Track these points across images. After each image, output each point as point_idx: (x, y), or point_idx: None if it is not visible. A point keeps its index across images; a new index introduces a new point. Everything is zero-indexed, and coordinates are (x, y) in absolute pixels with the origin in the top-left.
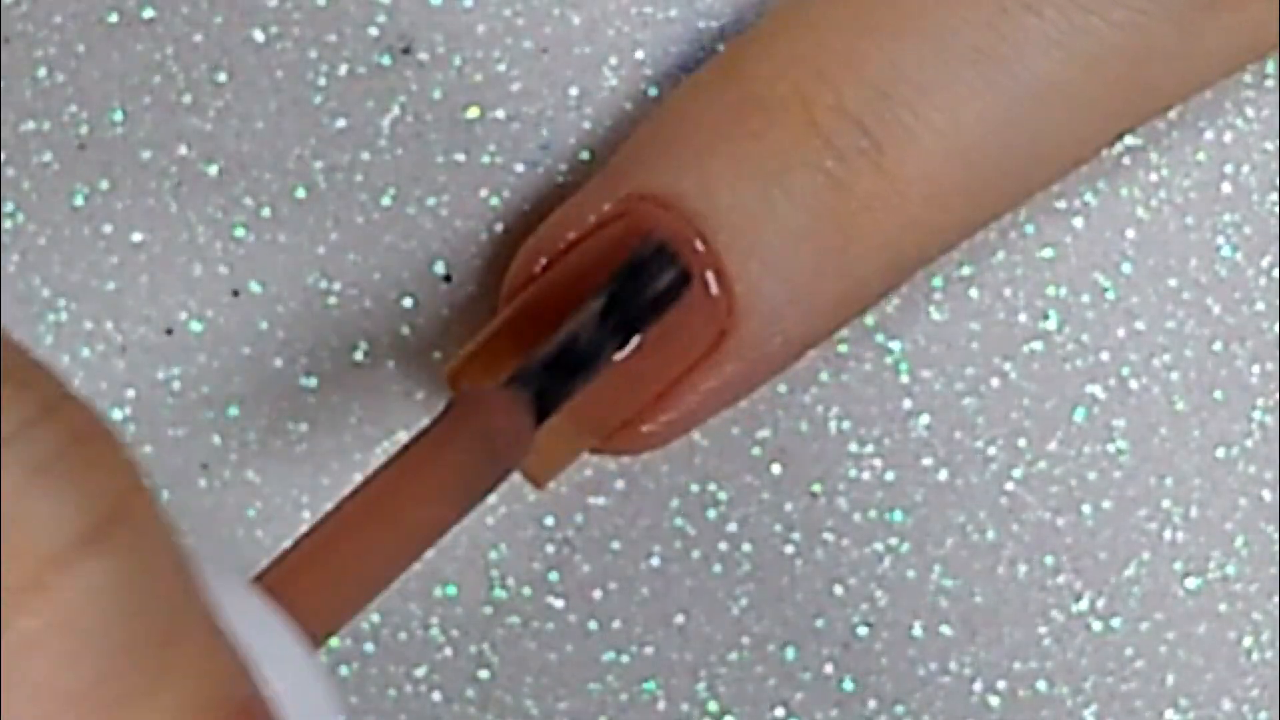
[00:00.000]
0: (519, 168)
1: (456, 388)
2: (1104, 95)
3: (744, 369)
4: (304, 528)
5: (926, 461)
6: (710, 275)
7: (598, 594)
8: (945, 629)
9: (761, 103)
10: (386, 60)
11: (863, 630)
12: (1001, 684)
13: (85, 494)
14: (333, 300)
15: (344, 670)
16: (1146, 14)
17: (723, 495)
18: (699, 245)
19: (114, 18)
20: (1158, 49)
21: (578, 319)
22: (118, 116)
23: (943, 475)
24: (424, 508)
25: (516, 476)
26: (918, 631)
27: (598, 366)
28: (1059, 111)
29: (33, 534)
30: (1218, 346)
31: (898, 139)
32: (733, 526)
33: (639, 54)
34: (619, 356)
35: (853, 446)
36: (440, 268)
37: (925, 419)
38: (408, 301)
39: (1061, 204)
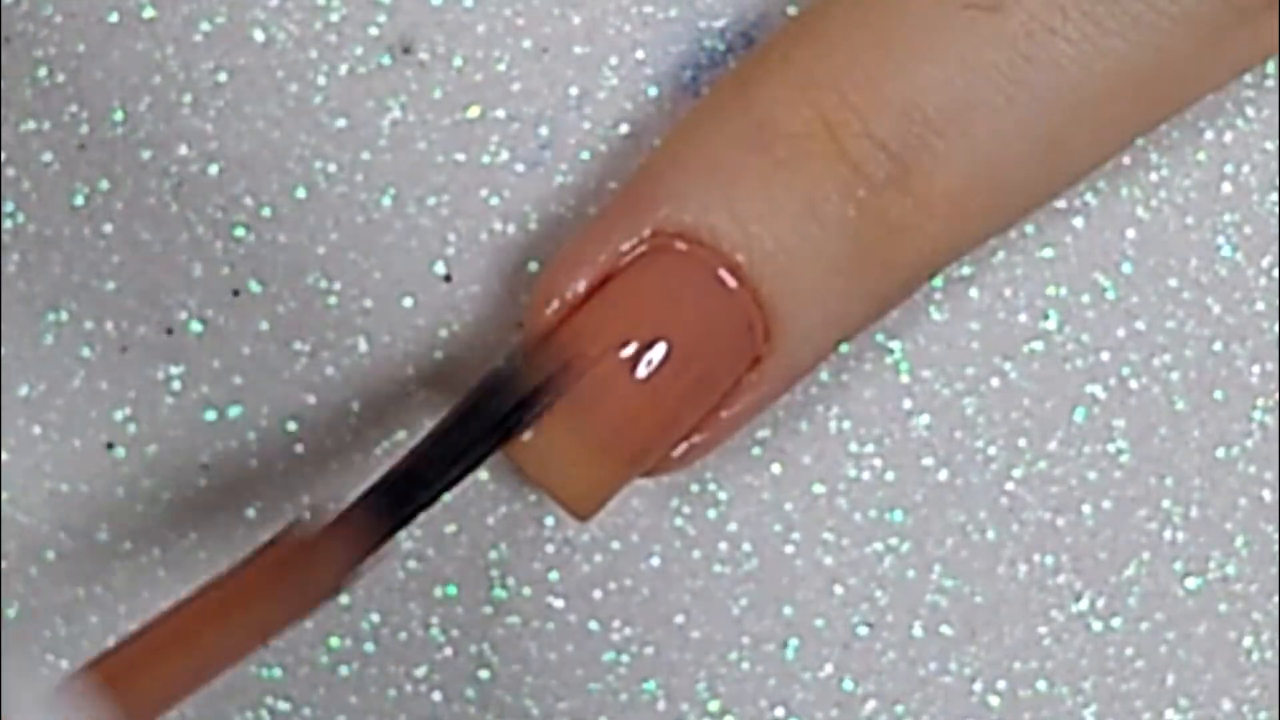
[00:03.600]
0: (519, 167)
1: None
2: (1123, 110)
3: (777, 386)
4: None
5: (926, 461)
6: (750, 305)
7: (598, 594)
8: (945, 629)
9: (787, 130)
10: (386, 60)
11: (863, 630)
12: (1001, 684)
13: None
14: (333, 300)
15: (344, 670)
16: (1168, 33)
17: (723, 495)
18: (731, 281)
19: (114, 18)
20: (1177, 65)
21: (430, 437)
22: (118, 116)
23: (943, 475)
24: (230, 636)
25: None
26: (918, 631)
27: (458, 478)
28: (1080, 127)
29: None
30: (1218, 346)
31: (924, 163)
32: (733, 526)
33: (639, 54)
34: (476, 468)
35: (853, 446)
36: (440, 268)
37: (925, 419)
38: (408, 301)
39: (1061, 204)
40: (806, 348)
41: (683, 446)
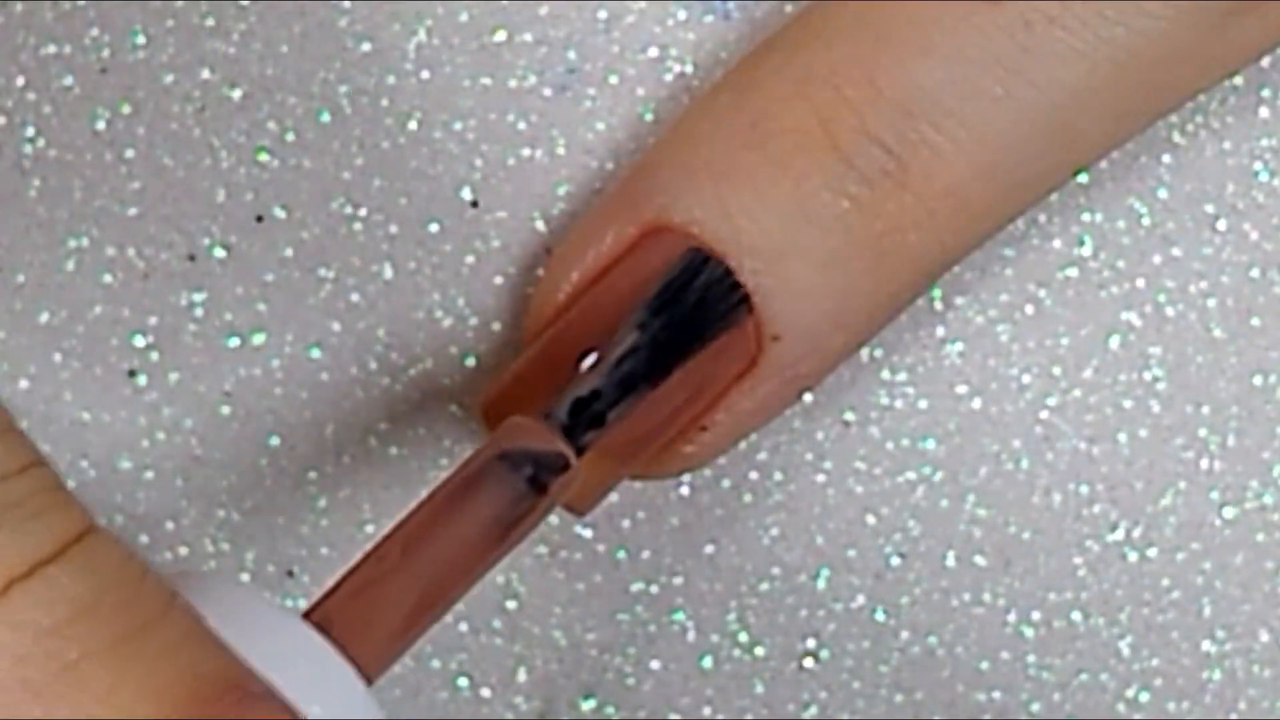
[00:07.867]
0: (546, 91)
1: (489, 422)
2: (1127, 100)
3: (778, 388)
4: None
5: (960, 389)
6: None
7: (626, 523)
8: (979, 559)
9: (780, 125)
10: None
11: (895, 560)
12: (1036, 615)
13: (45, 528)
14: (357, 226)
15: None
16: (1170, 21)
17: None
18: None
19: None
20: (1181, 53)
21: (616, 348)
22: (139, 39)
23: (976, 403)
24: (464, 543)
25: None
26: (951, 562)
27: (636, 396)
28: (1082, 118)
29: None
30: (1255, 273)
31: (922, 157)
32: (763, 455)
33: None
34: (662, 383)
35: (885, 374)
36: (467, 193)
37: (959, 346)
38: (434, 227)
39: None
40: (804, 347)
41: (688, 446)
